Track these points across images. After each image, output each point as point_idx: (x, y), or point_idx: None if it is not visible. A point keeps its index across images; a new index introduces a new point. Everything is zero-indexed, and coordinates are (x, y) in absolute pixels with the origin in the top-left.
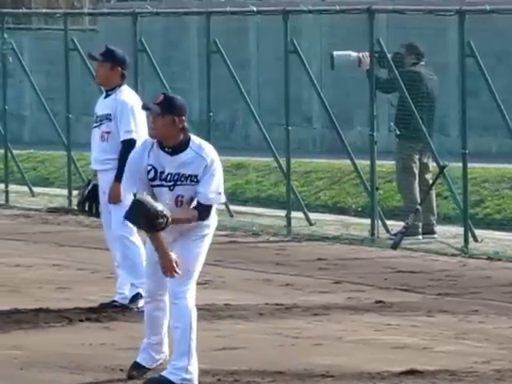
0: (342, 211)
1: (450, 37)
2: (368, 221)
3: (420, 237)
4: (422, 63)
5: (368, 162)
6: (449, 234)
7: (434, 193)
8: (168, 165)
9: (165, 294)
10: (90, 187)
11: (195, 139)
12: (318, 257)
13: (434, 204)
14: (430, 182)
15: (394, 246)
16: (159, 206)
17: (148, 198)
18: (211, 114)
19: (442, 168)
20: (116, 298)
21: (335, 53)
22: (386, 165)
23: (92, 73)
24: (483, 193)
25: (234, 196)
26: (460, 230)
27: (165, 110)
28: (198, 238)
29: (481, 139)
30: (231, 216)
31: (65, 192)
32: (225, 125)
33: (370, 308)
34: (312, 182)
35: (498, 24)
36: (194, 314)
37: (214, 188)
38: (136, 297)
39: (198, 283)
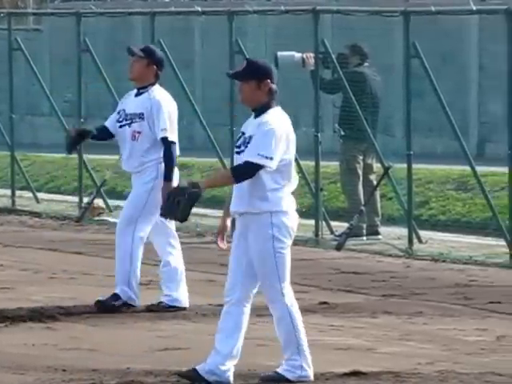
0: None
1: (396, 38)
2: (312, 222)
3: (364, 238)
4: (366, 64)
5: (312, 163)
6: (393, 235)
7: (378, 194)
8: (249, 128)
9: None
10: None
11: (278, 111)
12: None
13: (379, 205)
14: (375, 182)
15: (338, 247)
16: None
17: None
18: None
19: (386, 169)
20: (163, 300)
21: (279, 53)
22: (331, 166)
23: (36, 73)
24: (428, 194)
25: None
26: (404, 231)
27: (248, 75)
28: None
29: (426, 140)
30: None
31: (8, 192)
32: None
33: (313, 309)
34: None
35: (443, 25)
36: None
37: (255, 149)
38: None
39: (141, 283)
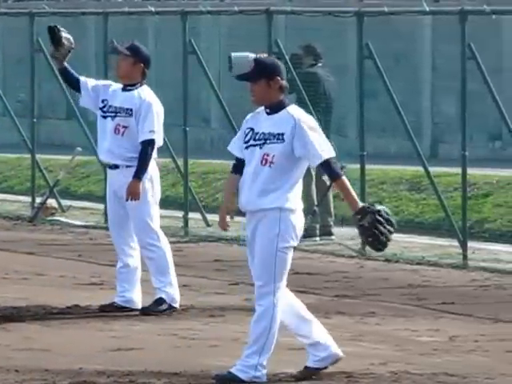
0: (240, 212)
1: (349, 38)
2: None
3: (317, 238)
4: (320, 64)
5: None
6: (346, 235)
7: (331, 194)
8: (263, 124)
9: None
10: None
11: (296, 107)
12: (215, 258)
13: (332, 205)
14: (328, 183)
15: None
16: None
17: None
18: None
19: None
20: (116, 300)
21: (233, 54)
22: None
23: None
24: (381, 194)
25: None
26: (356, 231)
27: (257, 75)
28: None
29: (379, 140)
30: None
31: None
32: None
33: None
34: (210, 182)
35: (397, 26)
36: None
37: (322, 146)
38: (159, 301)
39: (94, 283)
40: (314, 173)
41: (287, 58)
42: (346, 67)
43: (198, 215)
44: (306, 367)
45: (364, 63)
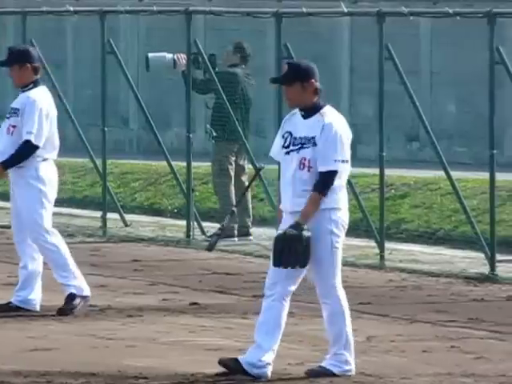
0: (158, 212)
1: (268, 39)
2: (184, 222)
3: (235, 239)
4: (243, 66)
5: (184, 164)
6: (264, 236)
7: (249, 195)
8: (299, 128)
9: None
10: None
11: (333, 110)
12: (133, 258)
13: (250, 206)
14: (246, 183)
15: (209, 248)
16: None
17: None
18: None
19: (258, 170)
20: (12, 300)
21: (150, 54)
22: (203, 166)
23: None
24: None
25: None
26: (275, 232)
27: (291, 78)
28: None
29: None
30: None
31: None
32: None
33: (184, 309)
34: (128, 183)
35: (315, 27)
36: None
37: (330, 156)
38: (71, 296)
39: (11, 284)
40: (232, 173)
41: (206, 58)
42: (264, 68)
43: (116, 215)
44: (320, 366)
45: (283, 64)
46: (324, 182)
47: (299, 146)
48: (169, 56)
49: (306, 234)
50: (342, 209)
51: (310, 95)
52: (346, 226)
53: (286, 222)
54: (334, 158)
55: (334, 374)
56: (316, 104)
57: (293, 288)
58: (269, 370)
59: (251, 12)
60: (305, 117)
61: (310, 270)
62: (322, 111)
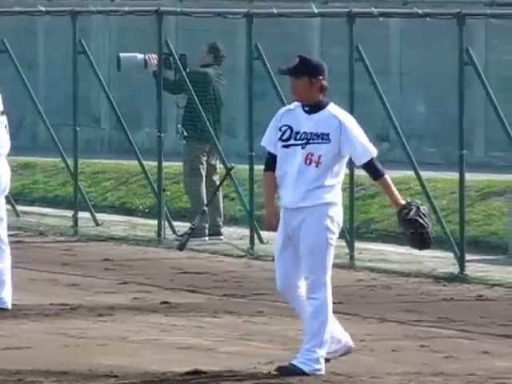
0: (129, 212)
1: (239, 39)
2: (155, 222)
3: (206, 238)
4: (216, 66)
5: (155, 163)
6: (235, 235)
7: (220, 194)
8: (302, 123)
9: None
10: None
11: (335, 106)
12: (105, 257)
13: (221, 205)
14: (217, 183)
15: (181, 247)
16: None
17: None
18: None
19: (228, 170)
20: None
21: (121, 54)
22: (174, 166)
23: None
24: None
25: (20, 196)
26: (246, 231)
27: (300, 71)
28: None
29: None
30: (17, 216)
31: None
32: (12, 124)
33: (155, 308)
34: (99, 182)
35: (286, 27)
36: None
37: (360, 146)
38: None
39: None
40: (204, 173)
41: (177, 58)
42: (235, 68)
43: (87, 215)
44: (291, 363)
45: (253, 64)
46: (376, 167)
47: (305, 141)
48: (140, 56)
49: (417, 203)
50: (338, 204)
51: (316, 91)
52: (341, 224)
53: (288, 219)
54: (368, 146)
55: (304, 373)
56: (321, 101)
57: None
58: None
59: (222, 12)
60: (309, 112)
61: (303, 263)
62: (328, 108)
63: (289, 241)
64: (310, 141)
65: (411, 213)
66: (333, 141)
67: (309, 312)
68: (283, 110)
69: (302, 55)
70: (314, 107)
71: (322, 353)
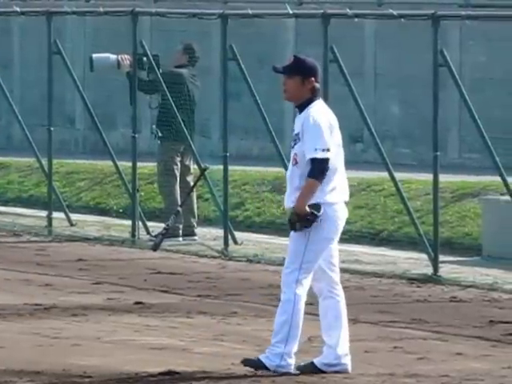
0: (104, 212)
1: (213, 40)
2: (129, 222)
3: (180, 239)
4: (191, 66)
5: (130, 164)
6: (209, 236)
7: (194, 195)
8: (297, 124)
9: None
10: None
11: (319, 103)
12: (79, 257)
13: (195, 206)
14: (192, 184)
15: (155, 248)
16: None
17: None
18: None
19: (203, 170)
20: None
21: (94, 55)
22: (148, 166)
23: None
24: (243, 195)
25: None
26: (220, 232)
27: (293, 71)
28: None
29: (242, 142)
30: None
31: None
32: None
33: (129, 309)
34: (74, 182)
35: (260, 28)
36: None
37: (311, 144)
38: None
39: None
40: (178, 173)
41: (151, 58)
42: (209, 69)
43: (61, 215)
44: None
45: (228, 65)
46: (316, 169)
47: (294, 142)
48: (113, 57)
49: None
50: (334, 204)
51: (306, 92)
52: (340, 224)
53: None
54: (315, 146)
55: (266, 367)
56: (309, 101)
57: (334, 281)
58: (347, 363)
59: (197, 13)
60: (299, 113)
61: None
62: (309, 107)
63: None
64: (296, 141)
65: (299, 224)
66: (301, 139)
67: (279, 306)
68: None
69: (297, 55)
70: (302, 108)
71: (286, 349)
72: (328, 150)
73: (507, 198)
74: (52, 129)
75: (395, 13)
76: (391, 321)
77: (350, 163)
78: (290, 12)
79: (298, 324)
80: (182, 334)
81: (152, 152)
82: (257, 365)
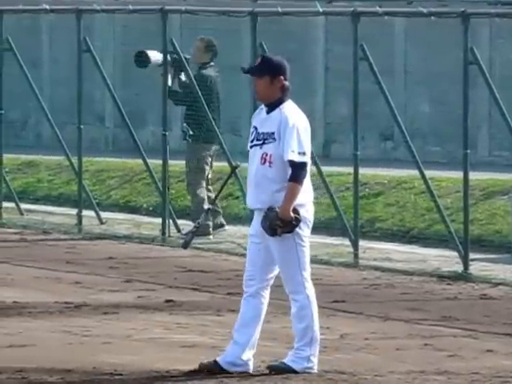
0: (134, 210)
1: (243, 38)
2: (159, 220)
3: (211, 237)
4: (212, 63)
5: (160, 162)
6: (239, 234)
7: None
8: (262, 123)
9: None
10: None
11: (291, 104)
12: (109, 255)
13: (217, 202)
14: (210, 182)
15: (185, 246)
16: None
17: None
18: (2, 111)
19: (233, 168)
20: None
21: (148, 51)
22: (179, 165)
23: None
24: None
25: (24, 194)
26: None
27: (261, 71)
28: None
29: None
30: (22, 214)
31: None
32: (17, 123)
33: (159, 307)
34: (104, 180)
35: (290, 26)
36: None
37: (288, 147)
38: None
39: None
40: (207, 172)
41: (182, 56)
42: (239, 66)
43: (91, 213)
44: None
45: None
46: (297, 172)
47: (262, 141)
48: (160, 55)
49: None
50: (305, 205)
51: (276, 91)
52: (311, 221)
53: (255, 219)
54: (298, 150)
55: (295, 371)
56: (279, 100)
57: (268, 283)
58: (250, 366)
59: (227, 11)
60: (268, 112)
61: (278, 267)
62: (281, 107)
63: (257, 240)
64: (266, 141)
65: (282, 228)
66: (277, 139)
67: (293, 313)
68: (256, 112)
69: (265, 55)
70: (272, 107)
71: (312, 351)
72: (307, 153)
73: None
74: (82, 127)
75: (425, 10)
76: (422, 318)
77: (380, 161)
78: (320, 10)
79: (317, 323)
80: (213, 332)
81: (182, 150)
82: (284, 370)
